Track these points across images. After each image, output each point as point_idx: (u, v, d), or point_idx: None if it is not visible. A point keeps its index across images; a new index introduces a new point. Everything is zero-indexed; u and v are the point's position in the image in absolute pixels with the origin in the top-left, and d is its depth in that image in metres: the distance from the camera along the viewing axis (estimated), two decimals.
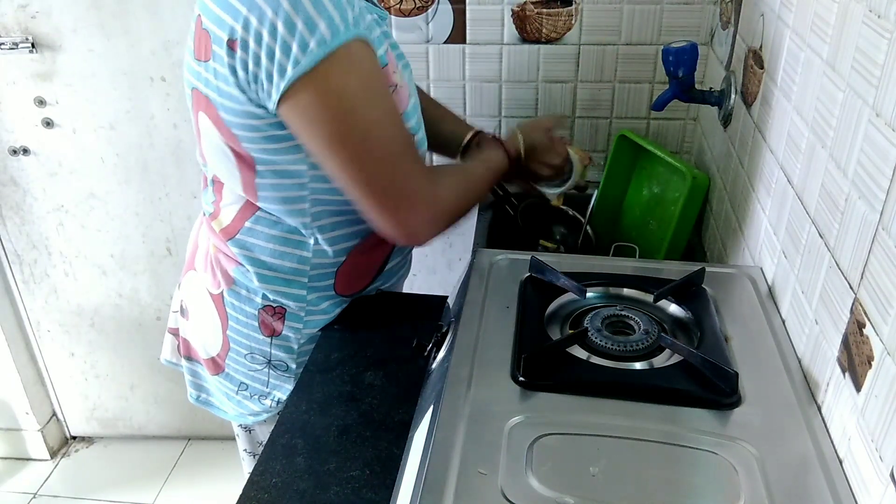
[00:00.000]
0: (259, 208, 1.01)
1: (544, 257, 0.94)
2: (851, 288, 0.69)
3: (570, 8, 1.47)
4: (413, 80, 1.07)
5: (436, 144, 1.34)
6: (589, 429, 0.69)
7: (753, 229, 1.03)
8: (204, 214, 1.11)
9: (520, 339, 0.81)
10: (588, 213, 1.42)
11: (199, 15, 0.90)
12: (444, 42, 1.53)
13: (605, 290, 0.92)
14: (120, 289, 2.07)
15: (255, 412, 1.14)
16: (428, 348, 0.90)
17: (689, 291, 0.90)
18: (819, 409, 0.74)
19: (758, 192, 1.02)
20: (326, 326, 1.09)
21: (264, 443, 1.18)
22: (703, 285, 0.91)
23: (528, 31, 1.50)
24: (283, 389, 1.11)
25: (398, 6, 1.51)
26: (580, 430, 0.69)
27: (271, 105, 0.88)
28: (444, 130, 1.28)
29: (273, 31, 0.83)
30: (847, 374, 0.68)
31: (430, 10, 1.50)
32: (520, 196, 1.42)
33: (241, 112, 0.91)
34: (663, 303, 0.89)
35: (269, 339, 1.09)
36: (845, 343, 0.69)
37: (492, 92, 1.58)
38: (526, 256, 0.96)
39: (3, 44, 1.71)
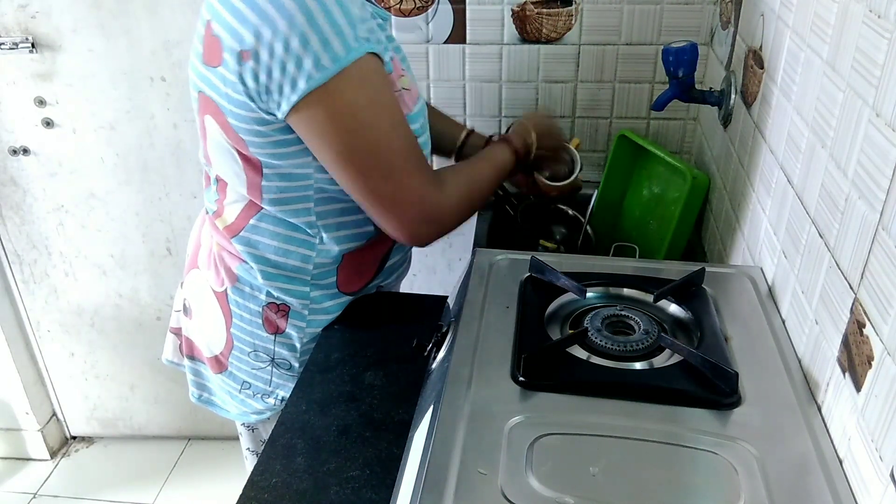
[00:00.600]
0: (263, 207, 1.02)
1: (544, 257, 0.94)
2: (851, 288, 0.69)
3: (570, 8, 1.47)
4: (415, 82, 1.08)
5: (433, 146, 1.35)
6: (589, 429, 0.69)
7: (753, 229, 1.03)
8: (207, 213, 1.11)
9: (520, 339, 0.81)
10: (588, 213, 1.42)
11: (210, 20, 0.90)
12: (444, 42, 1.53)
13: (605, 290, 0.92)
14: (120, 289, 2.07)
15: (259, 410, 1.14)
16: (428, 348, 0.90)
17: (689, 291, 0.90)
18: (819, 409, 0.74)
19: (758, 192, 1.02)
20: (327, 326, 1.09)
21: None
22: (703, 285, 0.91)
23: (528, 31, 1.50)
24: (286, 388, 1.11)
25: (398, 6, 1.51)
26: (580, 430, 0.69)
27: (280, 115, 0.89)
28: (436, 131, 1.29)
29: (286, 46, 0.84)
30: (847, 374, 0.68)
31: (430, 10, 1.50)
32: (520, 196, 1.42)
33: (249, 118, 0.92)
34: (663, 303, 0.89)
35: (272, 337, 1.09)
36: (845, 343, 0.69)
37: (492, 92, 1.58)
38: (526, 256, 0.96)
39: (3, 44, 1.71)
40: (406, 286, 1.29)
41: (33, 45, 1.71)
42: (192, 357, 1.20)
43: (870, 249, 0.65)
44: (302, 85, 0.86)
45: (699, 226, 1.36)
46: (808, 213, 0.82)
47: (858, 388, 0.66)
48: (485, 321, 0.85)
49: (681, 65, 1.21)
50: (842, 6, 0.75)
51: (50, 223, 1.97)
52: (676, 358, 0.78)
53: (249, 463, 1.26)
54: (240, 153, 0.97)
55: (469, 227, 1.42)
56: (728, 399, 0.72)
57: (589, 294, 0.90)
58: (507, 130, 1.24)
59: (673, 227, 1.25)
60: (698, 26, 1.47)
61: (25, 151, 1.86)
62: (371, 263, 1.12)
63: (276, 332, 1.08)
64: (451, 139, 1.28)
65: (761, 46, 1.06)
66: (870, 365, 0.64)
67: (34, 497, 2.17)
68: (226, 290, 1.09)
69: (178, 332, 1.22)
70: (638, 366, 0.78)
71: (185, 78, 1.39)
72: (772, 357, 0.80)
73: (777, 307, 0.90)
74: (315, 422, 0.89)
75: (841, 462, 0.68)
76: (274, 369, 1.11)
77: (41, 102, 1.79)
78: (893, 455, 0.59)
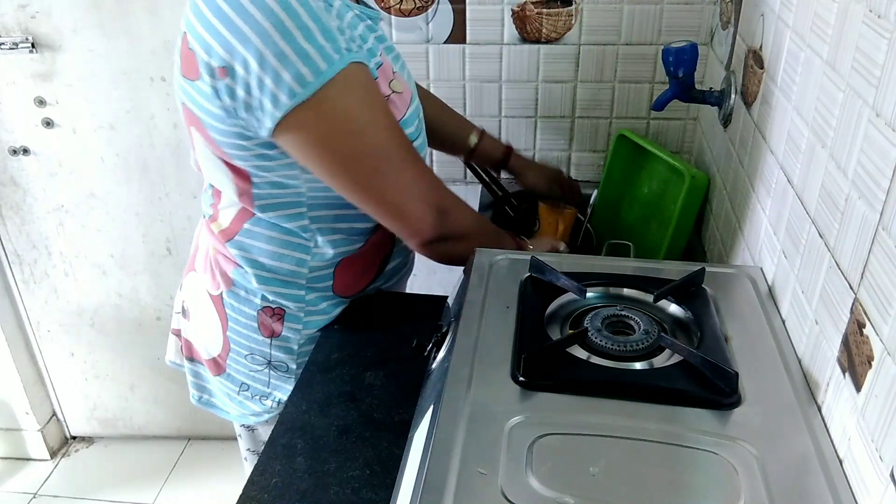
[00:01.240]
0: (255, 213, 1.01)
1: (544, 257, 0.94)
2: (851, 288, 0.69)
3: (570, 8, 1.47)
4: (413, 81, 1.07)
5: (440, 144, 1.34)
6: (589, 429, 0.69)
7: (753, 229, 1.03)
8: (204, 216, 1.11)
9: (520, 339, 0.81)
10: (588, 212, 1.42)
11: (185, 33, 0.89)
12: (444, 42, 1.53)
13: (605, 290, 0.92)
14: (120, 289, 2.07)
15: (257, 412, 1.14)
16: (428, 348, 0.90)
17: (689, 291, 0.90)
18: (819, 409, 0.74)
19: (758, 192, 1.02)
20: (326, 326, 1.09)
21: None
22: (703, 285, 0.91)
23: (528, 31, 1.50)
24: (283, 390, 1.11)
25: (398, 6, 1.51)
26: (580, 430, 0.69)
27: (264, 133, 0.88)
28: (448, 130, 1.28)
29: (262, 61, 0.82)
30: (847, 374, 0.68)
31: (430, 10, 1.50)
32: (520, 196, 1.42)
33: (230, 133, 0.91)
34: (663, 303, 0.89)
35: (268, 341, 1.09)
36: (845, 343, 0.69)
37: (492, 92, 1.58)
38: (526, 256, 0.96)
39: (3, 44, 1.71)
40: (406, 286, 1.29)
41: (33, 45, 1.71)
42: (191, 359, 1.20)
43: (870, 249, 0.65)
44: (285, 100, 0.84)
45: (699, 226, 1.36)
46: (808, 213, 0.82)
47: (858, 388, 0.66)
48: (485, 321, 0.85)
49: (681, 65, 1.21)
50: (842, 6, 0.75)
51: (50, 223, 1.97)
52: (676, 358, 0.78)
53: (249, 464, 1.26)
54: (227, 163, 0.96)
55: None
56: (728, 399, 0.72)
57: (589, 294, 0.90)
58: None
59: (672, 226, 1.25)
60: (698, 26, 1.47)
61: (25, 151, 1.86)
62: (370, 266, 1.12)
63: (272, 335, 1.08)
64: (462, 139, 1.27)
65: (761, 46, 1.06)
66: (870, 365, 0.64)
67: (34, 497, 2.17)
68: (221, 293, 1.09)
69: (178, 334, 1.23)
70: (638, 366, 0.77)
71: None
72: (772, 357, 0.80)
73: (777, 307, 0.90)
74: (315, 422, 0.89)
75: (841, 462, 0.68)
76: (271, 372, 1.11)
77: (41, 102, 1.79)
78: (893, 455, 0.59)
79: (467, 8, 1.49)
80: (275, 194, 0.98)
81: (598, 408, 0.72)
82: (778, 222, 0.92)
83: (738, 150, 1.15)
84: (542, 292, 0.90)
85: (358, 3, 0.99)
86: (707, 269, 0.92)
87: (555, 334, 0.83)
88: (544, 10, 1.48)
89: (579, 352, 0.79)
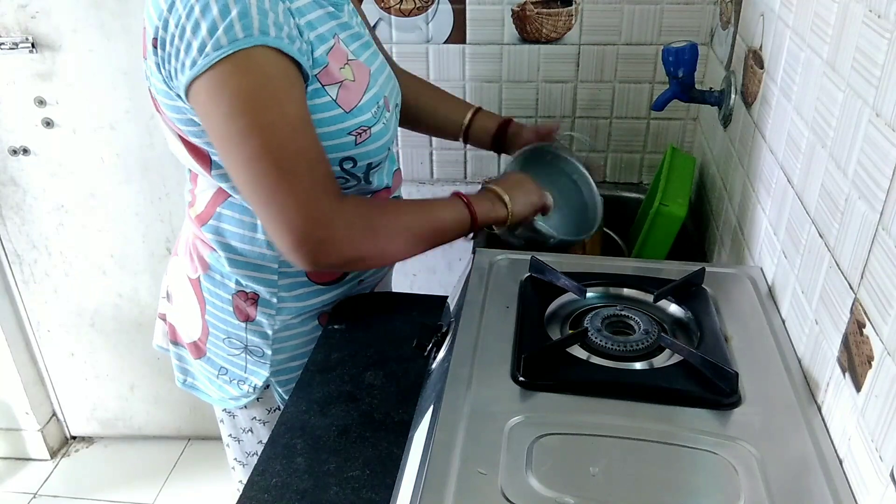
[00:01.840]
0: (230, 195, 1.01)
1: (544, 257, 0.95)
2: (851, 288, 0.69)
3: (570, 8, 1.47)
4: (386, 68, 1.05)
5: (435, 129, 1.33)
6: (589, 429, 0.69)
7: (753, 229, 1.03)
8: (186, 203, 1.12)
9: (520, 339, 0.81)
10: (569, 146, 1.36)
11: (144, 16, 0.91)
12: (444, 42, 1.53)
13: (605, 290, 0.92)
14: (120, 289, 2.07)
15: (235, 396, 1.15)
16: (428, 348, 0.90)
17: (689, 291, 0.90)
18: (819, 409, 0.74)
19: (758, 192, 1.02)
20: (326, 326, 1.09)
21: (247, 429, 1.15)
22: (703, 285, 0.91)
23: (528, 31, 1.50)
24: (258, 375, 1.12)
25: (398, 6, 1.51)
26: (580, 430, 0.69)
27: (184, 95, 0.87)
28: (440, 114, 1.27)
29: (182, 31, 0.83)
30: (847, 374, 0.68)
31: (430, 10, 1.50)
32: None
33: (176, 108, 0.91)
34: (663, 303, 0.89)
35: (243, 325, 1.09)
36: (845, 343, 0.69)
37: (492, 92, 1.58)
38: (526, 256, 0.96)
39: (3, 44, 1.71)
40: (406, 286, 1.29)
41: (33, 45, 1.71)
42: (175, 342, 1.21)
43: (870, 249, 0.65)
44: (188, 70, 0.83)
45: (699, 226, 1.36)
46: (808, 213, 0.82)
47: (858, 388, 0.66)
48: (485, 321, 0.85)
49: (681, 65, 1.21)
50: (842, 6, 0.75)
51: (50, 223, 1.97)
52: (676, 358, 0.78)
53: (231, 451, 1.25)
54: (185, 142, 0.96)
55: None
56: (728, 399, 0.72)
57: (589, 294, 0.90)
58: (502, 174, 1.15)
59: (636, 250, 1.21)
60: (698, 26, 1.47)
61: (25, 151, 1.86)
62: None
63: (247, 319, 1.09)
64: (455, 121, 1.25)
65: (761, 46, 1.06)
66: (870, 365, 0.64)
67: (34, 497, 2.17)
68: (199, 277, 1.09)
69: (164, 318, 1.24)
70: (638, 366, 0.78)
71: None
72: (772, 357, 0.80)
73: (777, 307, 0.90)
74: (315, 422, 0.90)
75: (841, 462, 0.68)
76: (248, 356, 1.12)
77: (41, 102, 1.79)
78: (893, 455, 0.59)
79: (467, 8, 1.49)
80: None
81: (597, 408, 0.72)
82: (778, 222, 0.93)
83: (738, 150, 1.15)
84: (542, 292, 0.90)
85: None
86: (707, 269, 0.92)
87: (555, 334, 0.83)
88: (544, 10, 1.48)
89: (579, 352, 0.79)
